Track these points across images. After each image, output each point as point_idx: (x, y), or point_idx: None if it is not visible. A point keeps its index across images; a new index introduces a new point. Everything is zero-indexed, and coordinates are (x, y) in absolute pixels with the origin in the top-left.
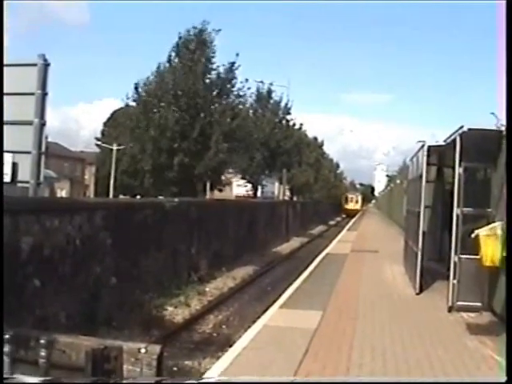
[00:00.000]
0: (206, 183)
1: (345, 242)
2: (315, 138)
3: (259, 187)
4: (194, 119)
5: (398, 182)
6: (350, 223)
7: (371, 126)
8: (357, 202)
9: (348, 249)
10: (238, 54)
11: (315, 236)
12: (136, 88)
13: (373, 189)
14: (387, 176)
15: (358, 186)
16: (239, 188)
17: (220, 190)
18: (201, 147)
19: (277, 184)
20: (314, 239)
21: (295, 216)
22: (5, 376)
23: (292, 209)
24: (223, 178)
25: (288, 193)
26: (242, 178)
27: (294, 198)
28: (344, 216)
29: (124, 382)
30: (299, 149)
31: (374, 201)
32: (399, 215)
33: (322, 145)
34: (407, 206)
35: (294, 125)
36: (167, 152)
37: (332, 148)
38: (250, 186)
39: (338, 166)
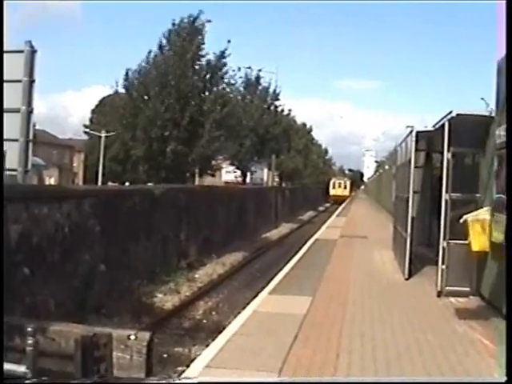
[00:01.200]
0: (194, 169)
1: (334, 227)
2: (304, 124)
3: (248, 173)
4: (184, 107)
5: (387, 167)
6: (340, 209)
7: (362, 113)
8: (345, 187)
9: (337, 234)
10: (229, 41)
11: (304, 222)
12: (126, 74)
13: (362, 174)
14: (376, 162)
15: (346, 171)
16: (228, 174)
17: (212, 175)
18: (192, 135)
19: (266, 170)
20: (304, 225)
21: (284, 202)
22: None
23: (281, 195)
24: (213, 163)
25: (277, 179)
26: (231, 165)
27: (283, 185)
28: (332, 202)
29: (124, 381)
30: (288, 135)
31: (363, 186)
32: (388, 201)
33: (310, 131)
34: (396, 191)
35: (283, 111)
36: (158, 140)
37: (321, 134)
38: (239, 172)
39: (327, 151)
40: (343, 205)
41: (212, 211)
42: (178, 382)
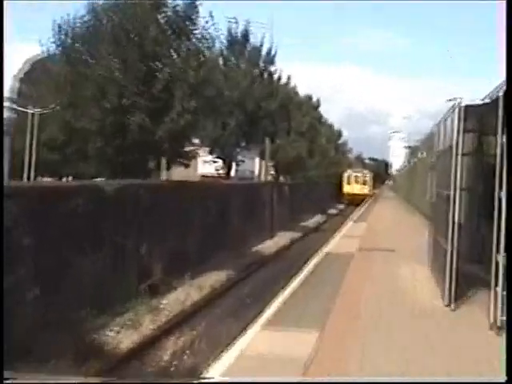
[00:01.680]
0: (160, 159)
1: (350, 237)
2: (309, 97)
3: (233, 164)
4: (151, 69)
5: (422, 155)
6: (357, 212)
7: (385, 80)
8: (364, 182)
9: (354, 247)
10: None
11: (310, 229)
12: (59, 29)
13: (387, 165)
14: (407, 148)
15: (367, 161)
16: (206, 166)
17: (186, 165)
18: (163, 106)
19: (257, 160)
20: (309, 234)
21: (282, 203)
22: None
23: (278, 193)
24: (187, 149)
25: (272, 171)
26: (211, 153)
27: (281, 179)
28: (346, 203)
29: (123, 382)
30: (287, 111)
31: (389, 181)
32: (423, 200)
33: (318, 106)
34: (435, 187)
35: (280, 79)
36: (115, 111)
37: (332, 110)
38: (220, 162)
39: (340, 134)
40: (362, 206)
41: (185, 215)
42: (178, 382)
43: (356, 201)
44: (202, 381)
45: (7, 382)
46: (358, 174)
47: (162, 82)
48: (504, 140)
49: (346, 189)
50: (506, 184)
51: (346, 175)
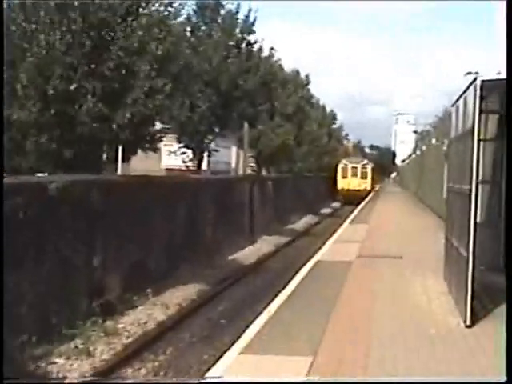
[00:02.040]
0: (116, 149)
1: (347, 242)
2: (297, 73)
3: (205, 155)
4: (101, 43)
5: (435, 141)
6: (356, 211)
7: (388, 51)
8: (364, 176)
9: (353, 253)
10: None
11: (299, 233)
12: None
13: (393, 155)
14: (416, 133)
15: (367, 150)
16: (172, 157)
17: (155, 151)
18: (119, 88)
19: (234, 149)
20: (298, 238)
21: (265, 201)
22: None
23: (260, 189)
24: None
25: (253, 163)
26: (177, 141)
27: (263, 172)
28: (342, 201)
29: (123, 382)
30: (269, 90)
31: (394, 174)
32: (437, 196)
33: (307, 83)
34: (450, 180)
35: (261, 50)
36: (58, 98)
37: (325, 88)
38: (189, 152)
39: (334, 117)
40: (362, 204)
41: (146, 218)
42: (178, 382)
43: (354, 199)
44: (202, 381)
45: (7, 382)
46: (356, 166)
47: (115, 59)
48: None
49: (342, 184)
50: None
51: (340, 167)
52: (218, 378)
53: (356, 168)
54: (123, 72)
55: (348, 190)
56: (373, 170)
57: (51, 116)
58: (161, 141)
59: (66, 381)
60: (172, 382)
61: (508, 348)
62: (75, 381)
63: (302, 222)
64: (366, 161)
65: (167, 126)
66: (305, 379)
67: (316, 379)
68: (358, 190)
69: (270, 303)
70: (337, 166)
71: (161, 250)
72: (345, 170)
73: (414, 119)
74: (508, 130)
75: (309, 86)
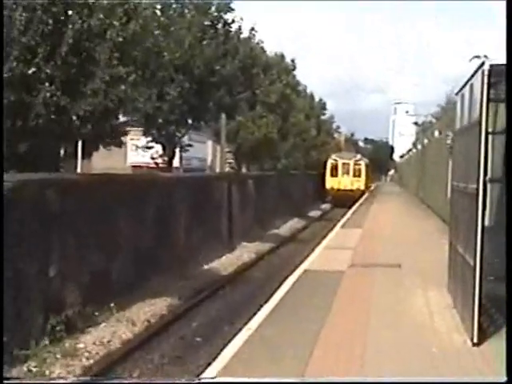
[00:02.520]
0: (77, 144)
1: (339, 249)
2: (281, 56)
3: (177, 151)
4: (60, 22)
5: (438, 134)
6: (349, 214)
7: (385, 31)
8: (356, 173)
9: (345, 261)
10: None
11: (284, 239)
12: None
13: (391, 149)
14: (416, 124)
15: (361, 144)
16: (138, 153)
17: (119, 146)
18: (79, 74)
19: (210, 144)
20: (282, 244)
21: (245, 203)
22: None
23: (239, 189)
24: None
25: (231, 160)
26: (145, 135)
27: (243, 170)
28: (331, 203)
29: (123, 382)
30: (250, 76)
31: (392, 171)
32: (440, 197)
33: (293, 68)
34: (454, 179)
35: (240, 31)
36: (12, 84)
37: (313, 74)
38: (158, 147)
39: (324, 107)
40: (356, 206)
41: (110, 223)
42: (178, 382)
43: (345, 200)
44: (203, 381)
45: (7, 382)
46: (348, 162)
47: (70, 41)
48: None
49: (331, 183)
50: None
51: (329, 163)
52: (218, 378)
53: (348, 164)
54: (82, 57)
55: (338, 190)
56: (367, 166)
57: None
58: (125, 135)
59: (67, 380)
60: (172, 382)
61: (508, 348)
62: (76, 380)
63: (288, 227)
64: (359, 156)
65: (133, 118)
66: (304, 379)
67: (315, 379)
68: (351, 191)
69: (250, 319)
70: (325, 162)
71: (127, 258)
72: (334, 166)
73: (413, 109)
74: (507, 136)
75: (295, 72)
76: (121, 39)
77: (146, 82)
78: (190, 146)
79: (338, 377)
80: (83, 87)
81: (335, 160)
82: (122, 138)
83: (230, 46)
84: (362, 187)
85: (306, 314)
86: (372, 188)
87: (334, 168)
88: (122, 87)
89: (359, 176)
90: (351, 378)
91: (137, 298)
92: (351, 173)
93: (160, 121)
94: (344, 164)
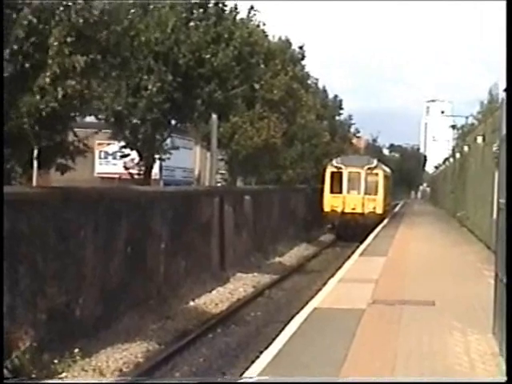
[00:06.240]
0: (32, 152)
1: (357, 281)
2: (287, 42)
3: (156, 159)
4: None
5: (481, 140)
6: (370, 238)
7: (416, 16)
8: (371, 189)
9: (365, 298)
10: None
11: (289, 269)
12: None
13: (424, 159)
14: (454, 128)
15: (385, 151)
16: (108, 163)
17: (81, 153)
18: (31, 63)
19: (198, 150)
20: (286, 277)
21: (241, 224)
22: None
23: (234, 207)
24: (74, 138)
25: (224, 171)
26: (114, 138)
27: (239, 183)
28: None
29: (123, 382)
30: (248, 67)
31: (424, 184)
32: (484, 218)
33: (302, 57)
34: (501, 196)
35: (237, 10)
36: None
37: (327, 64)
38: (134, 155)
39: (339, 105)
40: (378, 229)
41: (70, 247)
42: (178, 381)
43: (353, 229)
44: (203, 381)
45: (7, 382)
46: (358, 170)
47: (25, 23)
48: None
49: (331, 203)
50: None
51: (329, 172)
52: (218, 378)
53: (357, 174)
54: (34, 44)
55: (343, 213)
56: (387, 178)
57: None
58: (87, 151)
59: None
60: (172, 382)
61: (508, 348)
62: (75, 380)
63: (294, 254)
64: (375, 162)
65: (100, 117)
66: (304, 379)
67: (316, 379)
68: (361, 215)
69: (244, 372)
70: (324, 170)
71: (94, 291)
72: (337, 177)
73: (451, 109)
74: (507, 136)
75: (303, 62)
76: (81, 20)
77: (115, 72)
78: (169, 154)
79: (337, 377)
80: (31, 81)
81: (338, 168)
82: (87, 143)
83: (222, 29)
84: (380, 210)
85: (312, 366)
86: (398, 207)
87: (337, 180)
88: (72, 82)
89: (375, 193)
90: (351, 379)
91: (106, 341)
92: (362, 187)
93: (135, 121)
94: (351, 174)
